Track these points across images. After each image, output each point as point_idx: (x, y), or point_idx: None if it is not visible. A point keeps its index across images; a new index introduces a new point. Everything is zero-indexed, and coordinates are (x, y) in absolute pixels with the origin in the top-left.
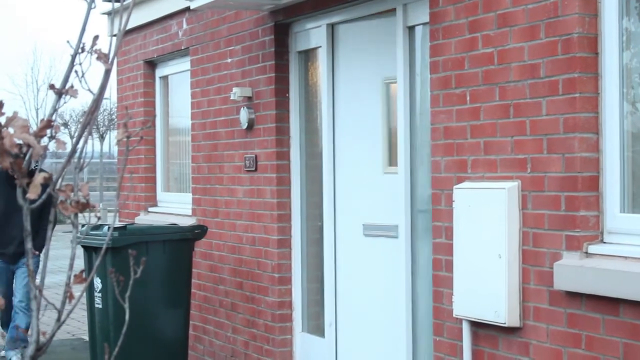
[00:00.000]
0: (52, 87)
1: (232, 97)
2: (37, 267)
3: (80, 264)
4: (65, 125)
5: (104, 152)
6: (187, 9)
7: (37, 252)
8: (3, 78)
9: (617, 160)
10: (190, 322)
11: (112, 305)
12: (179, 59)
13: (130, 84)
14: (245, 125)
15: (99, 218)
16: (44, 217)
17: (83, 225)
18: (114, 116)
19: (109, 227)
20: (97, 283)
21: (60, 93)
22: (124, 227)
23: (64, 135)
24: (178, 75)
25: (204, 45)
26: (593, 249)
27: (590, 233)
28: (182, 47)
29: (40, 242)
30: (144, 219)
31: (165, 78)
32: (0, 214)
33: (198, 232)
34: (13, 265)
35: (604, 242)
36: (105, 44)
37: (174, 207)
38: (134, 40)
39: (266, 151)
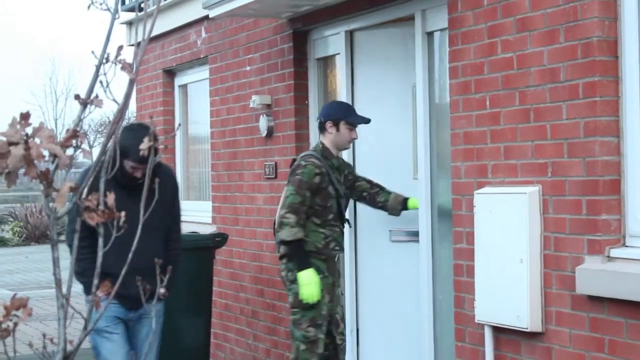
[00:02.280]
0: (77, 97)
1: (251, 105)
2: (162, 316)
3: None
4: (85, 135)
5: None
6: (206, 17)
7: (167, 294)
8: (22, 89)
9: (638, 163)
10: (212, 329)
11: None
12: (198, 68)
13: (150, 93)
14: (264, 133)
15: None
16: (172, 237)
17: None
18: None
19: None
20: None
21: (85, 103)
22: None
23: (84, 146)
24: (197, 83)
25: (223, 54)
26: (615, 252)
27: (612, 237)
28: (201, 56)
29: (171, 278)
30: None
31: (184, 87)
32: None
33: (218, 240)
34: (133, 312)
35: (626, 246)
36: (125, 54)
37: (194, 216)
38: (152, 50)
39: (286, 158)
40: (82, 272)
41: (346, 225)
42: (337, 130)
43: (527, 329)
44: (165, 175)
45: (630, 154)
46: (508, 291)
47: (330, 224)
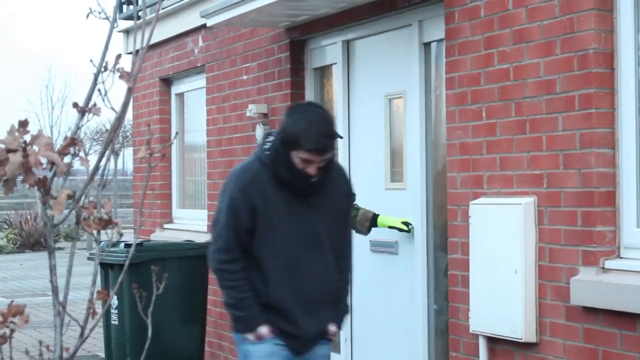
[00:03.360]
0: (75, 105)
1: (247, 114)
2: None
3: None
4: (81, 143)
5: (118, 169)
6: (203, 26)
7: (339, 328)
8: (18, 96)
9: (633, 175)
10: (206, 338)
11: (129, 322)
12: (195, 76)
13: (146, 102)
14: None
15: (121, 235)
16: (342, 256)
17: (99, 243)
18: (128, 133)
19: (125, 244)
20: (114, 300)
21: (83, 111)
22: (140, 244)
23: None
24: (194, 92)
25: (220, 63)
26: (610, 264)
27: (606, 248)
28: (198, 65)
29: (343, 311)
30: (159, 236)
31: (181, 95)
32: (277, 256)
33: None
34: (303, 355)
35: (621, 257)
36: (123, 62)
37: (189, 224)
38: (149, 58)
39: None
40: (237, 303)
41: None
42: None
43: (521, 339)
44: (339, 176)
45: (625, 165)
46: (503, 302)
47: None
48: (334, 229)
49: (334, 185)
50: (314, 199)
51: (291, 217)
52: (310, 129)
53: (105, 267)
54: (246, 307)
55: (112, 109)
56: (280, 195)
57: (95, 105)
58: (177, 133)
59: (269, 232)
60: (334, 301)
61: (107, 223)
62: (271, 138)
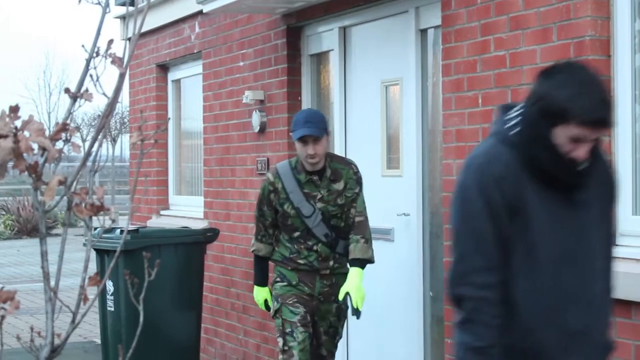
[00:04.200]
0: (67, 90)
1: (244, 101)
2: None
3: (92, 267)
4: (78, 129)
5: (115, 156)
6: (200, 12)
7: None
8: (16, 83)
9: (629, 162)
10: (202, 324)
11: (124, 308)
12: (192, 63)
13: (143, 88)
14: (257, 129)
15: (113, 221)
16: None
17: (96, 229)
18: (125, 120)
19: (121, 231)
20: (109, 286)
21: (75, 97)
22: (136, 230)
23: (76, 139)
24: (190, 78)
25: (217, 49)
26: None
27: None
28: (195, 51)
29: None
30: (155, 222)
31: (177, 82)
32: (535, 276)
33: (210, 235)
34: None
35: (616, 245)
36: (119, 48)
37: (185, 210)
38: (146, 44)
39: (278, 154)
40: (485, 349)
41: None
42: (295, 144)
43: None
44: (603, 160)
45: (621, 153)
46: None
47: (298, 241)
48: (604, 236)
49: (599, 174)
50: (578, 194)
51: (554, 220)
52: (584, 93)
53: (101, 253)
54: (493, 356)
55: (104, 94)
56: (536, 190)
57: (87, 90)
58: (169, 119)
59: (525, 242)
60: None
61: (99, 209)
62: (517, 110)
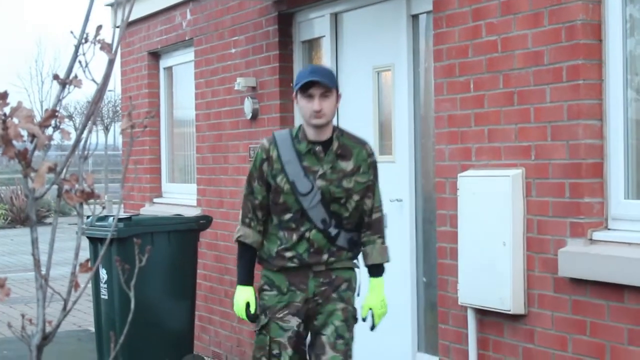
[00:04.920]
0: (56, 77)
1: (236, 88)
2: None
3: (85, 255)
4: (70, 117)
5: (108, 144)
6: None
7: None
8: (8, 71)
9: (621, 146)
10: (196, 312)
11: (118, 296)
12: (183, 50)
13: (135, 75)
14: (249, 116)
15: (103, 208)
16: None
17: (88, 217)
18: (118, 108)
19: (114, 218)
20: (103, 274)
21: (64, 83)
22: (129, 218)
23: (68, 127)
24: (182, 66)
25: (208, 36)
26: (597, 235)
27: (594, 220)
28: (186, 38)
29: None
30: (149, 210)
31: (169, 69)
32: None
33: (203, 222)
34: None
35: (608, 229)
36: (110, 35)
37: (179, 198)
38: (138, 32)
39: None
40: None
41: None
42: (297, 101)
43: (509, 311)
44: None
45: (613, 137)
46: (491, 274)
47: (288, 226)
48: None
49: None
50: None
51: None
52: None
53: (94, 241)
54: None
55: (94, 80)
56: None
57: (76, 77)
58: (158, 106)
59: None
60: None
61: (89, 196)
62: None
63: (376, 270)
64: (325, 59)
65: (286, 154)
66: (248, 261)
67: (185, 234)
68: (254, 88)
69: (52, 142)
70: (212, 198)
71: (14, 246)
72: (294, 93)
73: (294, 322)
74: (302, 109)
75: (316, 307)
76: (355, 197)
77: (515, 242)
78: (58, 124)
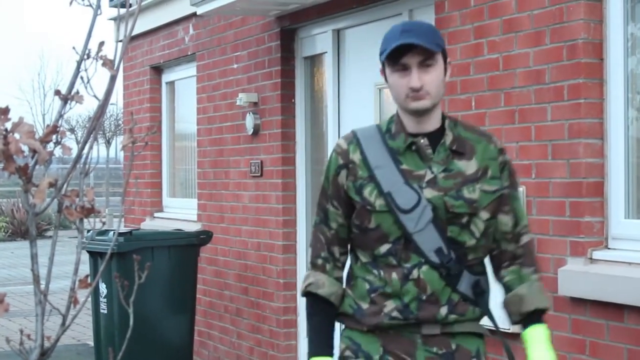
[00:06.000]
0: (57, 92)
1: (238, 103)
2: None
3: (85, 269)
4: (72, 130)
5: (110, 158)
6: (194, 14)
7: None
8: (10, 84)
9: (621, 165)
10: (195, 327)
11: (117, 311)
12: (185, 65)
13: (137, 90)
14: (251, 131)
15: (103, 223)
16: None
17: (89, 231)
18: (120, 122)
19: (114, 233)
20: (102, 288)
21: (65, 99)
22: (129, 233)
23: (70, 141)
24: (184, 80)
25: (210, 51)
26: (597, 254)
27: (594, 239)
28: (189, 53)
29: None
30: (149, 225)
31: (171, 84)
32: None
33: (203, 237)
34: None
35: (609, 248)
36: (112, 50)
37: (179, 213)
38: (140, 46)
39: (272, 157)
40: None
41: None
42: (386, 78)
43: (509, 329)
44: None
45: (613, 156)
46: (491, 292)
47: (387, 263)
48: None
49: None
50: None
51: None
52: None
53: (94, 255)
54: None
55: (95, 96)
56: None
57: (78, 92)
58: (160, 121)
59: None
60: None
61: (89, 211)
62: None
63: (537, 317)
64: (327, 75)
65: (375, 155)
66: (323, 321)
67: (185, 249)
68: (255, 103)
69: (54, 156)
70: (213, 213)
71: (14, 259)
72: (381, 66)
73: None
74: (394, 87)
75: None
76: (484, 215)
77: None
78: (59, 139)
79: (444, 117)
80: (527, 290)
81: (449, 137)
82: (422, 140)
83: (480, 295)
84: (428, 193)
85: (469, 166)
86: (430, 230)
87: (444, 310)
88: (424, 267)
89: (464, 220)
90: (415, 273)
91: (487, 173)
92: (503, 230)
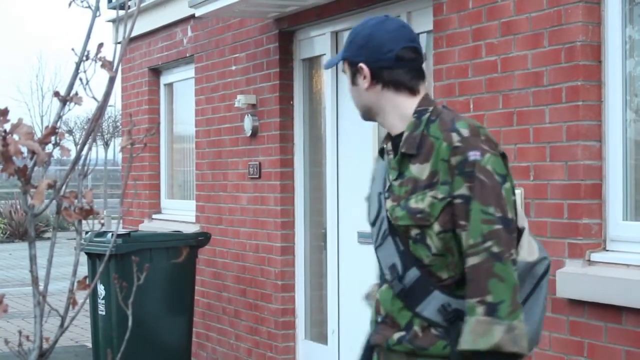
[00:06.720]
0: (56, 94)
1: (236, 105)
2: None
3: (84, 270)
4: (70, 132)
5: (108, 159)
6: (192, 16)
7: None
8: (9, 85)
9: (619, 167)
10: (194, 329)
11: (116, 312)
12: (184, 67)
13: (135, 92)
14: (249, 133)
15: (102, 225)
16: None
17: (87, 232)
18: (118, 123)
19: (112, 234)
20: (101, 290)
21: (64, 100)
22: (127, 234)
23: (68, 142)
24: (183, 82)
25: (209, 53)
26: (595, 256)
27: (592, 241)
28: (187, 55)
29: None
30: (148, 226)
31: (169, 85)
32: None
33: (201, 239)
34: None
35: (607, 250)
36: (111, 52)
37: (177, 214)
38: (138, 48)
39: (270, 159)
40: None
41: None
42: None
43: None
44: None
45: (611, 158)
46: None
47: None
48: None
49: None
50: None
51: None
52: None
53: (93, 257)
54: None
55: (94, 98)
56: None
57: (77, 94)
58: (158, 123)
59: None
60: None
61: (88, 213)
62: None
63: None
64: (326, 77)
65: (381, 163)
66: None
67: (184, 250)
68: (254, 105)
69: (52, 158)
70: (211, 215)
71: (13, 260)
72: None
73: None
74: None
75: None
76: (436, 228)
77: None
78: (58, 140)
79: (421, 114)
80: (465, 325)
81: (403, 138)
82: (385, 146)
83: (453, 322)
84: (388, 203)
85: (424, 170)
86: (388, 244)
87: (397, 336)
88: (384, 286)
89: (415, 233)
90: (378, 292)
91: (436, 177)
92: (463, 248)
